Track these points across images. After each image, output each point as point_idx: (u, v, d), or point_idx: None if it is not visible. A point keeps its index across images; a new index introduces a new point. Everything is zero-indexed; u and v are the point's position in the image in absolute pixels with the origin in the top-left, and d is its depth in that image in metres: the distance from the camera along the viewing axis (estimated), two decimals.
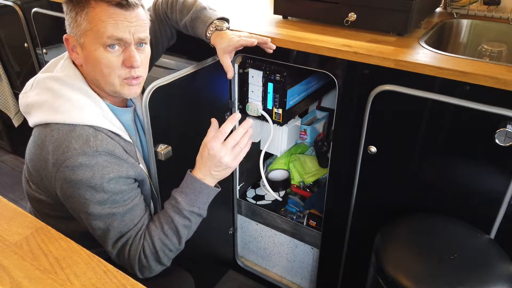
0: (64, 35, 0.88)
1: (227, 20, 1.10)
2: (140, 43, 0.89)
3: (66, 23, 0.87)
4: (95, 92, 0.91)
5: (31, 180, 0.94)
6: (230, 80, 1.28)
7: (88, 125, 0.85)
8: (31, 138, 0.91)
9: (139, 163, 0.94)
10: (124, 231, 0.89)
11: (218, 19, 1.08)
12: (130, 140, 0.94)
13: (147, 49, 0.92)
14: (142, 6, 0.89)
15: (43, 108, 0.87)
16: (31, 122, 0.90)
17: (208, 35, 1.08)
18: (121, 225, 0.89)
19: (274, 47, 1.11)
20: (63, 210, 0.92)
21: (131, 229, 0.90)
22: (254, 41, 1.06)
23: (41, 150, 0.86)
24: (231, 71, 1.11)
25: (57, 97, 0.87)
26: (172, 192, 0.95)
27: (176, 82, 1.05)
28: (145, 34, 0.89)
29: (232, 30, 1.10)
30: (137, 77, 0.89)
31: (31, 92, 0.91)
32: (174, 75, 1.05)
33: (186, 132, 1.16)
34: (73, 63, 0.92)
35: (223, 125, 0.93)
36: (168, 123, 1.07)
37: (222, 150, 0.91)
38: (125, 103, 1.00)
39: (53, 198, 0.91)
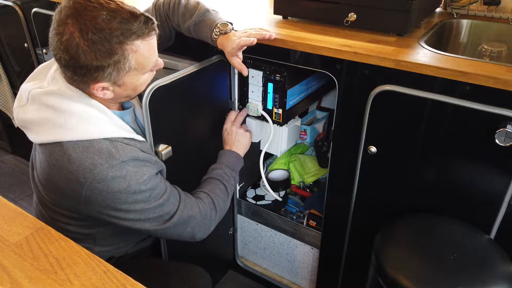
0: (95, 85, 0.84)
1: (230, 23, 1.10)
2: None
3: (98, 75, 0.82)
4: (94, 99, 0.89)
5: (48, 196, 0.93)
6: (230, 80, 1.28)
7: (103, 138, 0.84)
8: (41, 157, 0.88)
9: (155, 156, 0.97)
10: (176, 206, 0.96)
11: (221, 23, 1.08)
12: (144, 140, 0.95)
13: None
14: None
15: (47, 126, 0.85)
16: (35, 139, 0.88)
17: (214, 38, 1.09)
18: (171, 206, 0.95)
19: (274, 36, 1.10)
20: (86, 220, 0.94)
21: (180, 202, 0.97)
22: (253, 40, 1.06)
23: (59, 170, 0.84)
24: (244, 69, 1.14)
25: (59, 112, 0.84)
26: (210, 167, 1.17)
27: (176, 82, 1.05)
28: None
29: (235, 30, 1.10)
30: None
31: (28, 107, 0.88)
32: (175, 75, 1.05)
33: (186, 132, 1.16)
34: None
35: (229, 113, 1.30)
36: (168, 123, 1.07)
37: (233, 126, 1.27)
38: (121, 106, 1.01)
39: (76, 211, 0.91)
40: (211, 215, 1.05)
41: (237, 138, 1.26)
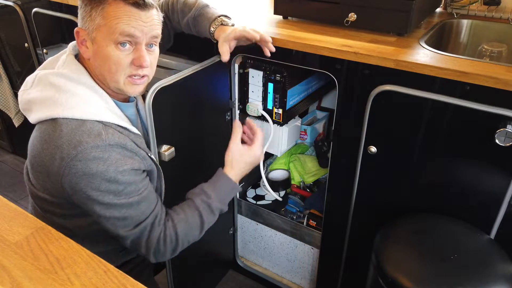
0: (76, 28, 0.89)
1: (229, 18, 1.12)
2: (150, 44, 0.90)
3: (79, 16, 0.88)
4: (101, 87, 0.92)
5: (34, 179, 0.94)
6: (230, 80, 1.28)
7: (97, 120, 0.86)
8: (35, 134, 0.90)
9: (150, 154, 0.95)
10: (142, 218, 0.91)
11: (222, 15, 1.10)
12: (139, 133, 0.94)
13: (156, 50, 0.94)
14: (156, 7, 0.91)
15: (47, 104, 0.87)
16: (34, 118, 0.89)
17: (212, 30, 1.10)
18: (138, 213, 0.90)
19: (274, 50, 1.11)
20: (68, 208, 0.92)
21: (149, 216, 0.92)
22: (256, 36, 1.07)
23: (48, 145, 0.85)
24: (226, 55, 1.10)
25: (62, 92, 0.87)
26: (202, 186, 1.02)
27: (178, 83, 1.05)
28: (158, 31, 0.91)
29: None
30: (143, 76, 0.91)
31: (32, 89, 0.91)
32: (177, 75, 1.05)
33: (188, 132, 1.16)
34: (76, 58, 0.92)
35: (234, 133, 1.08)
36: (171, 123, 1.07)
37: (232, 143, 1.07)
38: (127, 98, 1.01)
39: (58, 196, 0.90)
40: (165, 247, 0.94)
41: (235, 158, 1.07)
